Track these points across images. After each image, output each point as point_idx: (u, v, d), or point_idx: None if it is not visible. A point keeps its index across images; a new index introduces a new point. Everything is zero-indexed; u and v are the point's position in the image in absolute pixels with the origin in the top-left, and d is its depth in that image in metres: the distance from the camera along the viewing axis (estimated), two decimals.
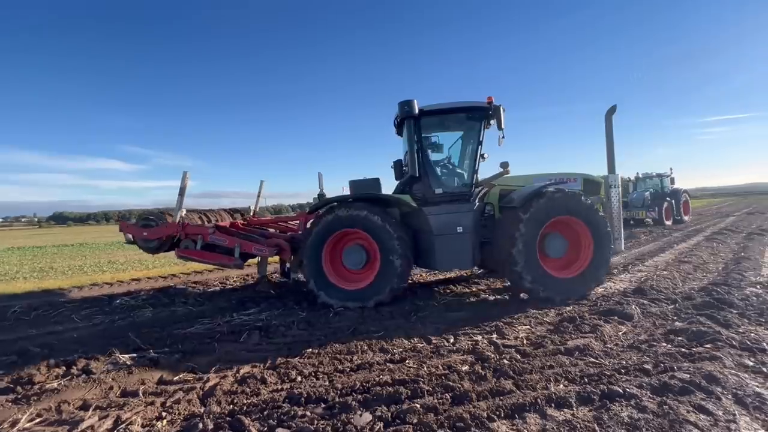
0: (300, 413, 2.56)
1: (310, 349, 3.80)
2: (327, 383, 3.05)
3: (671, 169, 19.12)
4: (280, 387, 3.02)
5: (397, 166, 6.15)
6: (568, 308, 4.74)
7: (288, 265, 6.32)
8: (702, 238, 11.59)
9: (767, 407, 2.42)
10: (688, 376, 2.76)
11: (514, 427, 2.34)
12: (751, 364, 3.00)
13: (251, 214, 7.80)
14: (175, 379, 3.31)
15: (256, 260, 6.71)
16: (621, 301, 4.77)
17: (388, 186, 6.06)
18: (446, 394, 2.71)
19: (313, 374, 3.26)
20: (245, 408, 2.69)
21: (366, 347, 3.79)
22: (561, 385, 2.78)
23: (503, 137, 5.50)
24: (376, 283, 5.23)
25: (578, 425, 2.29)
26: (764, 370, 2.88)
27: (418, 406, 2.55)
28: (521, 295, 5.43)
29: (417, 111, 5.36)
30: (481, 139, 5.72)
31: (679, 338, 3.54)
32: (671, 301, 4.74)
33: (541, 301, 5.03)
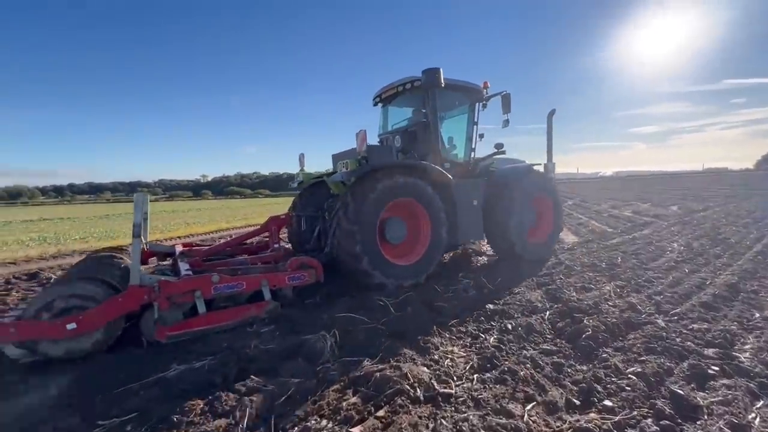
0: None
1: None
2: None
3: None
4: None
5: (406, 136, 5.84)
6: None
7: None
8: None
9: None
10: None
11: None
12: None
13: (144, 242, 4.83)
14: None
15: None
16: None
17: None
18: None
19: None
20: None
21: None
22: None
23: (508, 120, 6.06)
24: (427, 256, 4.92)
25: None
26: None
27: None
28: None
29: (443, 82, 5.16)
30: (476, 120, 6.18)
31: None
32: None
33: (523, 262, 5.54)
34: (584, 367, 2.67)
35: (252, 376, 2.56)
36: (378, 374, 2.46)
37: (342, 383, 2.48)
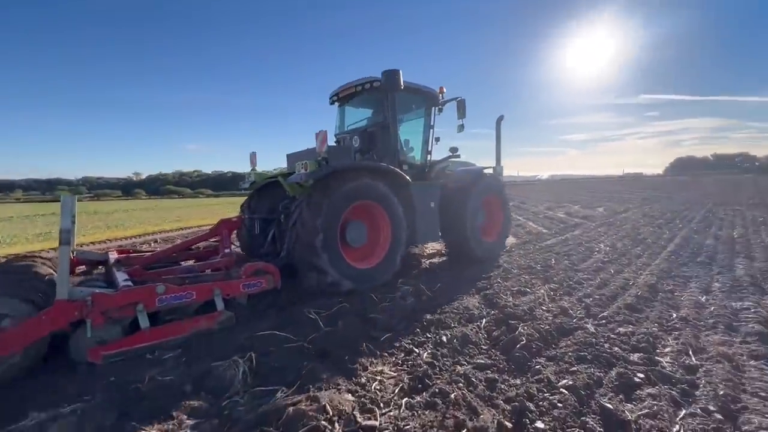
0: None
1: None
2: None
3: None
4: None
5: (365, 137, 5.74)
6: None
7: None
8: None
9: None
10: None
11: None
12: None
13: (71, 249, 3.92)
14: None
15: None
16: None
17: None
18: None
19: None
20: None
21: None
22: None
23: (463, 125, 6.25)
24: (386, 259, 4.79)
25: None
26: None
27: None
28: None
29: (402, 85, 5.14)
30: (432, 123, 6.22)
31: None
32: None
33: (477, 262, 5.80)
34: (518, 381, 2.54)
35: (134, 423, 2.09)
36: (291, 409, 2.11)
37: (248, 422, 2.10)
